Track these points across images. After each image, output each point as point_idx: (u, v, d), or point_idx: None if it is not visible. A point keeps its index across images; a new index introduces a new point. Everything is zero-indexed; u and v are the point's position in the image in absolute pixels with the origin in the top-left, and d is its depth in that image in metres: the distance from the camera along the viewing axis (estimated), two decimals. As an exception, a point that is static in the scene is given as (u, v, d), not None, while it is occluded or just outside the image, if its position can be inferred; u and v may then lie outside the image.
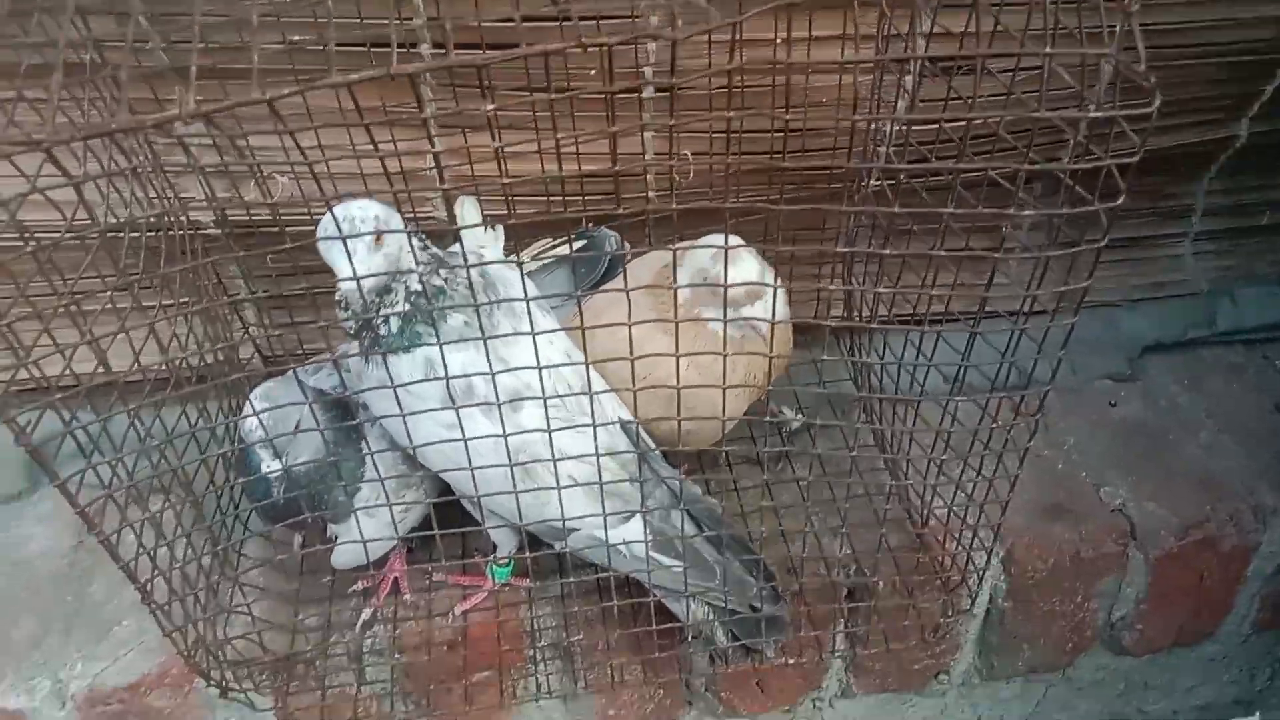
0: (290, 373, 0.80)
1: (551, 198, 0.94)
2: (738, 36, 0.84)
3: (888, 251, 0.64)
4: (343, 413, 0.79)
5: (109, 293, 0.62)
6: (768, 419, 0.99)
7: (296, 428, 0.74)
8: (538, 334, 0.64)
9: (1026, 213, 0.59)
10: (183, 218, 0.81)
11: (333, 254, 0.67)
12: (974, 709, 1.08)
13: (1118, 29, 0.49)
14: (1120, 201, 0.57)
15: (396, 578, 0.89)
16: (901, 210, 0.64)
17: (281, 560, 0.89)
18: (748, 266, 0.79)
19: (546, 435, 0.69)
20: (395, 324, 0.71)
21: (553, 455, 0.70)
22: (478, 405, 0.72)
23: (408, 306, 0.71)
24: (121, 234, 0.64)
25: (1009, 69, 0.72)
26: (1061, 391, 1.11)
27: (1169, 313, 1.19)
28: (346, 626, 0.87)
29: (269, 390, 0.80)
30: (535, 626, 0.87)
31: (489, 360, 0.66)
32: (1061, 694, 1.09)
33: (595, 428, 0.70)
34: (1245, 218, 1.20)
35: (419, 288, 0.71)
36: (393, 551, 0.88)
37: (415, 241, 0.72)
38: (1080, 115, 0.51)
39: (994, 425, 0.73)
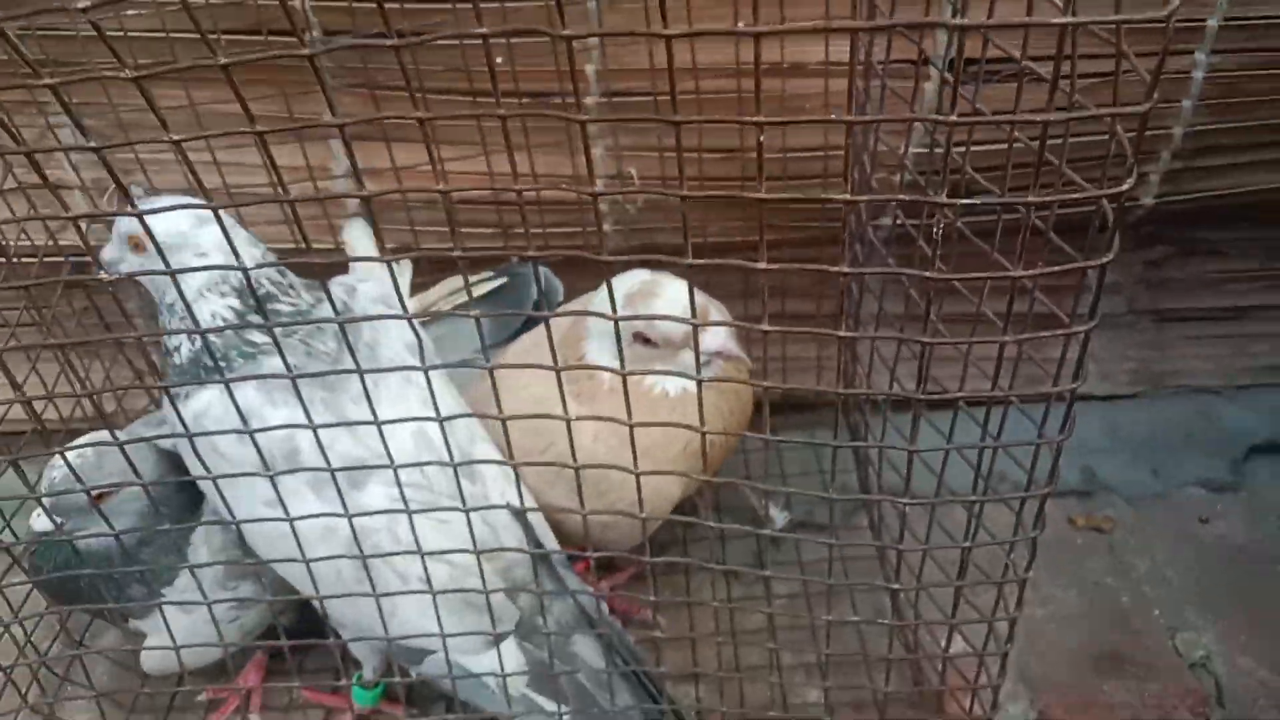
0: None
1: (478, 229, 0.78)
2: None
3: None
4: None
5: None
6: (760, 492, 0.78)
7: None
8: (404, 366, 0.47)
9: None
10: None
11: None
12: None
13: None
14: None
15: (250, 692, 0.72)
16: (943, 276, 0.44)
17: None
18: (674, 292, 0.63)
19: (393, 523, 0.55)
20: (186, 352, 0.60)
21: (418, 550, 0.53)
22: (306, 478, 0.56)
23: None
24: None
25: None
26: (1139, 500, 0.89)
27: (1285, 405, 0.96)
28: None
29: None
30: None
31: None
32: None
33: (477, 511, 0.52)
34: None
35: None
36: (250, 659, 0.71)
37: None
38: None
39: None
